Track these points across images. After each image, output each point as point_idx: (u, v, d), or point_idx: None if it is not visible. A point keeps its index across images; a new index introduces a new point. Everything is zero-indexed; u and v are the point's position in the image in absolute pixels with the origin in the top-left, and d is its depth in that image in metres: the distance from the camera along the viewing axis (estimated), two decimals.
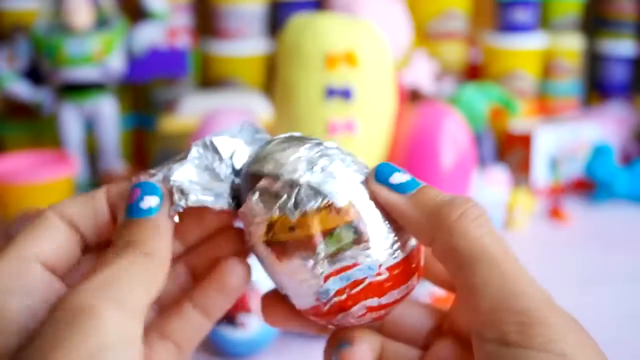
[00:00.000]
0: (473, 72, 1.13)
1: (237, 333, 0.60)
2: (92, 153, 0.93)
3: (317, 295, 0.26)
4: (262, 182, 0.26)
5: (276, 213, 0.26)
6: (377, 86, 0.69)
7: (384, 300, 0.26)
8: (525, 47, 1.08)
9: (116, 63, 0.89)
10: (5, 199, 0.77)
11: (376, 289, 0.26)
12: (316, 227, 0.25)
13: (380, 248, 0.26)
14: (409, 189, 0.26)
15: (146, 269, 0.24)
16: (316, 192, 0.26)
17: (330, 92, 0.67)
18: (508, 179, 0.87)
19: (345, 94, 0.67)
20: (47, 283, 0.25)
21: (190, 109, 0.88)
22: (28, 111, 0.95)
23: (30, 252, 0.25)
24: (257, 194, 0.26)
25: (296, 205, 0.25)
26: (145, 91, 1.01)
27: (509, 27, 1.08)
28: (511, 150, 0.98)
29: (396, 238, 0.26)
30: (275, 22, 1.05)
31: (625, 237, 0.87)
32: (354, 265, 0.25)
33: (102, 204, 0.27)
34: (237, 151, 0.29)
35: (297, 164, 0.26)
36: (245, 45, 1.03)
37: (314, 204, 0.25)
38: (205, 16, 1.05)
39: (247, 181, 0.27)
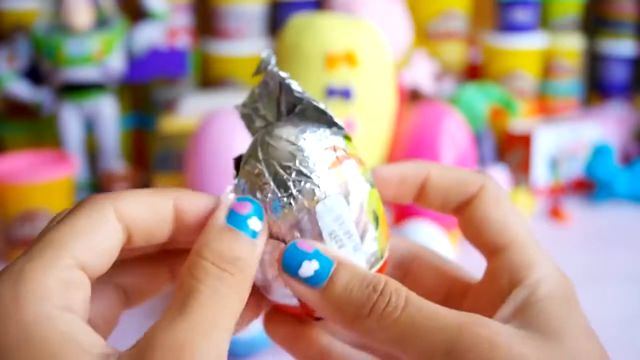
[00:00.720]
0: (473, 72, 1.13)
1: (237, 333, 0.60)
2: (92, 153, 0.93)
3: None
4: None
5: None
6: (377, 86, 0.69)
7: None
8: (525, 47, 1.08)
9: (116, 63, 0.89)
10: (5, 199, 0.77)
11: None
12: (285, 231, 0.26)
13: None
14: (319, 281, 0.25)
15: (236, 296, 0.24)
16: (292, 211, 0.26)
17: (330, 92, 0.67)
18: (508, 179, 0.87)
19: (345, 94, 0.67)
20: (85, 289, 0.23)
21: (190, 109, 0.88)
22: (28, 111, 0.95)
23: (73, 254, 0.23)
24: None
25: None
26: (145, 91, 1.01)
27: (509, 27, 1.08)
28: (511, 150, 0.98)
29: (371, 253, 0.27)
30: (275, 22, 1.05)
31: (626, 237, 0.87)
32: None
33: (169, 210, 0.25)
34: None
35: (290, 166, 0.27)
36: (245, 45, 1.03)
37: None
38: (205, 16, 1.05)
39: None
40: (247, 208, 0.25)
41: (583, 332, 0.24)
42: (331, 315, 0.25)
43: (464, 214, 0.28)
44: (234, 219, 0.25)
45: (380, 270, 0.27)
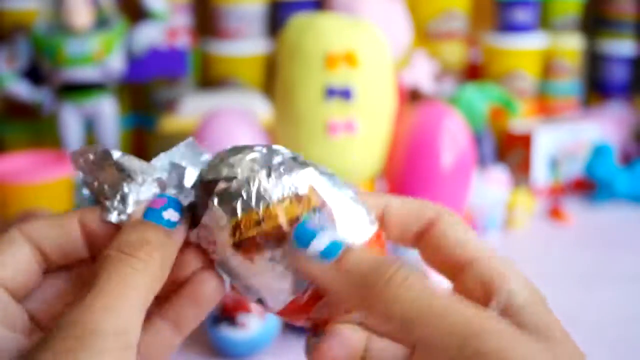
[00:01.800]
0: (473, 72, 1.13)
1: (237, 333, 0.60)
2: None
3: (294, 287, 0.26)
4: (220, 186, 0.26)
5: (239, 212, 0.25)
6: (377, 86, 0.69)
7: None
8: (525, 47, 1.08)
9: (116, 63, 0.89)
10: (5, 199, 0.77)
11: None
12: (282, 217, 0.25)
13: (350, 228, 0.26)
14: (331, 256, 0.25)
15: (144, 276, 0.24)
16: (275, 184, 0.26)
17: (330, 92, 0.67)
18: (508, 179, 0.87)
19: (345, 94, 0.67)
20: (5, 306, 0.25)
21: (190, 109, 0.88)
22: (28, 111, 0.95)
23: None
24: (216, 199, 0.26)
25: (258, 199, 0.25)
26: (145, 91, 1.01)
27: (509, 27, 1.08)
28: (511, 150, 0.98)
29: (365, 213, 0.27)
30: (275, 22, 1.05)
31: (625, 237, 0.87)
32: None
33: (75, 227, 0.27)
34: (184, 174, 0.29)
35: (251, 164, 0.26)
36: (245, 45, 1.03)
37: (276, 195, 0.26)
38: (205, 16, 1.05)
39: (203, 191, 0.27)
40: (161, 201, 0.26)
41: (568, 335, 0.24)
42: (344, 288, 0.25)
43: (423, 240, 0.28)
44: (150, 213, 0.26)
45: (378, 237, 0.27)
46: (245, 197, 0.26)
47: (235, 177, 0.26)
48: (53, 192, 0.78)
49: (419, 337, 0.23)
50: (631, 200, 0.96)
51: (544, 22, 1.14)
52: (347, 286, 0.24)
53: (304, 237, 0.25)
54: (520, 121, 1.00)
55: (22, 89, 0.89)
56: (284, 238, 0.25)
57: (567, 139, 0.97)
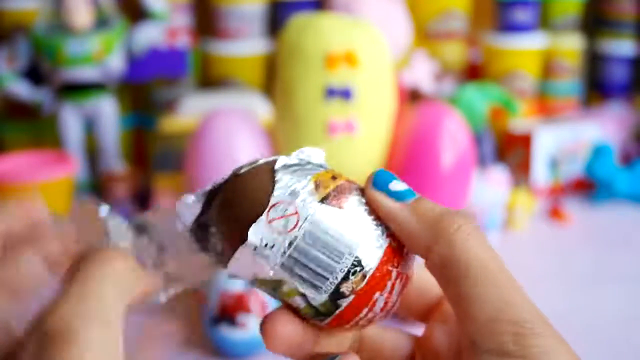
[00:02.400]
0: (473, 72, 1.13)
1: (237, 333, 0.60)
2: (92, 153, 0.93)
3: (380, 233, 0.26)
4: (276, 163, 0.26)
5: (312, 174, 0.26)
6: (377, 86, 0.69)
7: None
8: (525, 47, 1.08)
9: (116, 63, 0.89)
10: (5, 199, 0.77)
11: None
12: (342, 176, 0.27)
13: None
14: (407, 198, 0.26)
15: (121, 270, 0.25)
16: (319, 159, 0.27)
17: (330, 92, 0.67)
18: (508, 179, 0.87)
19: (345, 94, 0.67)
20: None
21: (190, 109, 0.88)
22: (28, 111, 0.95)
23: None
24: (280, 173, 0.26)
25: (319, 166, 0.26)
26: (145, 91, 1.01)
27: (509, 27, 1.08)
28: (511, 150, 0.98)
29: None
30: (275, 22, 1.05)
31: (625, 237, 0.87)
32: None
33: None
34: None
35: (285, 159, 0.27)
36: (245, 45, 1.03)
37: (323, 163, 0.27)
38: (205, 16, 1.05)
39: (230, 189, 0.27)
40: None
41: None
42: (417, 227, 0.26)
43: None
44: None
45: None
46: (307, 166, 0.26)
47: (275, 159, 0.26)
48: (53, 192, 0.78)
49: (468, 286, 0.24)
50: (631, 200, 0.96)
51: (544, 22, 1.14)
52: (419, 225, 0.26)
53: (383, 179, 0.26)
54: (520, 121, 1.00)
55: (22, 89, 0.89)
56: (359, 188, 0.26)
57: (567, 139, 0.97)
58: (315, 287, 0.25)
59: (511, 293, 0.24)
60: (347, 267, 0.25)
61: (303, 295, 0.25)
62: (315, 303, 0.25)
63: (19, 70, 0.89)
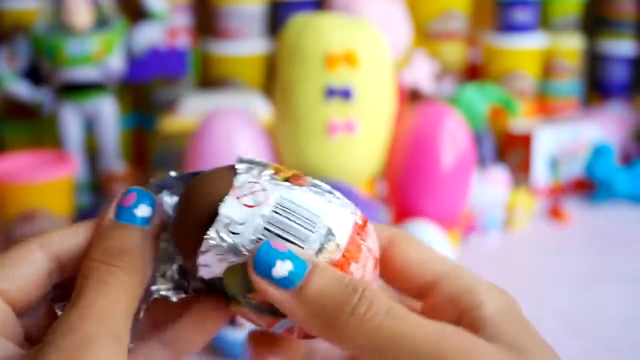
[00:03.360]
0: (473, 72, 1.13)
1: (237, 333, 0.60)
2: (92, 153, 0.93)
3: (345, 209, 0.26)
4: (239, 168, 0.26)
5: (269, 164, 0.26)
6: (377, 86, 0.69)
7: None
8: (525, 47, 1.08)
9: (116, 63, 0.89)
10: (5, 199, 0.77)
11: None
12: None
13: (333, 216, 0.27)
14: (293, 283, 0.24)
15: (128, 286, 0.25)
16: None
17: (330, 92, 0.67)
18: (508, 179, 0.87)
19: (345, 94, 0.67)
20: (9, 321, 0.25)
21: (190, 109, 0.88)
22: (28, 111, 0.95)
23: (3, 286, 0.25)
24: (239, 165, 0.26)
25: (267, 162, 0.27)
26: (145, 91, 1.01)
27: (509, 27, 1.08)
28: (511, 150, 0.98)
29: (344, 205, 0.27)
30: (275, 22, 1.05)
31: (625, 237, 0.87)
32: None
33: (85, 238, 0.27)
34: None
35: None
36: (245, 45, 1.03)
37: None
38: (205, 16, 1.05)
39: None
40: (131, 199, 0.26)
41: (543, 344, 0.24)
42: (306, 319, 0.24)
43: (382, 264, 0.27)
44: (122, 213, 0.26)
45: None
46: (260, 161, 0.26)
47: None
48: (53, 192, 0.78)
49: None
50: (631, 200, 0.96)
51: (544, 22, 1.14)
52: (309, 316, 0.24)
53: (266, 263, 0.24)
54: (520, 121, 1.00)
55: (22, 89, 0.89)
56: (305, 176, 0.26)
57: (567, 139, 0.97)
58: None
59: (431, 348, 0.23)
60: (322, 235, 0.25)
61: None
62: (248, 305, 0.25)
63: (19, 70, 0.89)
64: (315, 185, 0.26)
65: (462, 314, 0.25)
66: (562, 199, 0.96)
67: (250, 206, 0.25)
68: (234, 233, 0.25)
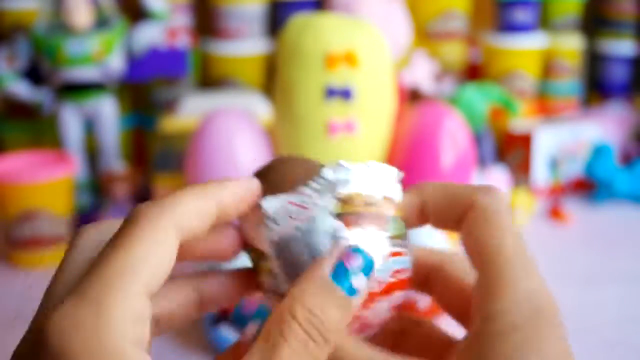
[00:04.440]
0: (473, 72, 1.13)
1: (236, 333, 0.60)
2: (92, 153, 0.93)
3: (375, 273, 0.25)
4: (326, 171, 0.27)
5: (352, 190, 0.26)
6: (377, 86, 0.69)
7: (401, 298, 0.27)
8: (525, 47, 1.08)
9: (116, 63, 0.89)
10: (5, 199, 0.77)
11: (407, 284, 0.27)
12: (387, 209, 0.26)
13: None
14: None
15: (312, 356, 0.23)
16: (377, 186, 0.27)
17: (330, 92, 0.67)
18: (508, 179, 0.87)
19: (345, 94, 0.67)
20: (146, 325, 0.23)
21: (190, 109, 0.88)
22: (28, 111, 0.95)
23: (143, 282, 0.22)
24: (326, 171, 0.26)
25: (369, 188, 0.26)
26: (145, 91, 1.01)
27: (509, 27, 1.08)
28: (511, 150, 0.98)
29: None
30: (275, 22, 1.05)
31: (626, 237, 0.87)
32: (403, 254, 0.26)
33: (212, 217, 0.25)
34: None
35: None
36: (245, 45, 1.03)
37: (382, 192, 0.27)
38: (205, 16, 1.05)
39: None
40: (357, 262, 0.24)
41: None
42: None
43: (462, 229, 0.27)
44: (341, 275, 0.24)
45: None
46: (358, 179, 0.26)
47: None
48: (53, 192, 0.78)
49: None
50: (631, 200, 0.96)
51: (544, 22, 1.14)
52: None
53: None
54: (520, 121, 1.00)
55: (22, 89, 0.89)
56: (385, 224, 0.26)
57: (567, 139, 0.97)
58: (288, 276, 0.25)
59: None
60: None
61: (274, 278, 0.26)
62: (281, 289, 0.26)
63: (19, 70, 0.89)
64: (375, 233, 0.26)
65: (477, 317, 0.25)
66: (562, 199, 0.96)
67: (290, 216, 0.26)
68: (266, 226, 0.26)
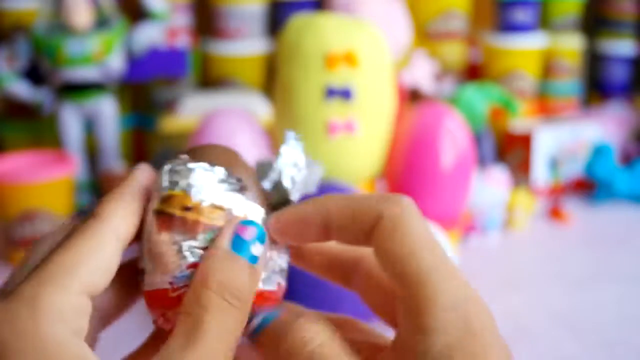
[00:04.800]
0: (473, 72, 1.13)
1: None
2: (92, 153, 0.93)
3: (172, 279, 0.26)
4: (179, 159, 0.27)
5: (179, 189, 0.26)
6: (377, 86, 0.69)
7: None
8: (525, 47, 1.08)
9: (116, 63, 0.89)
10: (5, 199, 0.77)
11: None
12: (206, 219, 0.26)
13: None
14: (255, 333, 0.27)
15: (240, 326, 0.25)
16: (209, 192, 0.27)
17: (330, 92, 0.67)
18: (508, 179, 0.87)
19: (345, 94, 0.67)
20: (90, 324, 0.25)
21: (190, 109, 0.88)
22: (28, 111, 0.95)
23: (81, 280, 0.24)
24: (168, 167, 0.27)
25: (200, 192, 0.26)
26: (145, 91, 1.01)
27: (509, 27, 1.08)
28: (511, 150, 0.98)
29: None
30: (275, 22, 1.05)
31: (625, 237, 0.87)
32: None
33: (140, 205, 0.27)
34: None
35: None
36: (245, 45, 1.03)
37: (216, 200, 0.27)
38: (205, 16, 1.05)
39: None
40: (251, 233, 0.26)
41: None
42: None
43: (372, 247, 0.26)
44: (240, 245, 0.25)
45: None
46: (192, 180, 0.27)
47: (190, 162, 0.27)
48: (53, 192, 0.78)
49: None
50: (631, 200, 0.96)
51: (544, 22, 1.14)
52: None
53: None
54: (520, 121, 1.00)
55: (22, 89, 0.89)
56: (196, 234, 0.26)
57: (567, 139, 0.97)
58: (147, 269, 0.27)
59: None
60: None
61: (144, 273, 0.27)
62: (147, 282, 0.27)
63: (19, 70, 0.89)
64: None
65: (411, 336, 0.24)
66: (562, 199, 0.96)
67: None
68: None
